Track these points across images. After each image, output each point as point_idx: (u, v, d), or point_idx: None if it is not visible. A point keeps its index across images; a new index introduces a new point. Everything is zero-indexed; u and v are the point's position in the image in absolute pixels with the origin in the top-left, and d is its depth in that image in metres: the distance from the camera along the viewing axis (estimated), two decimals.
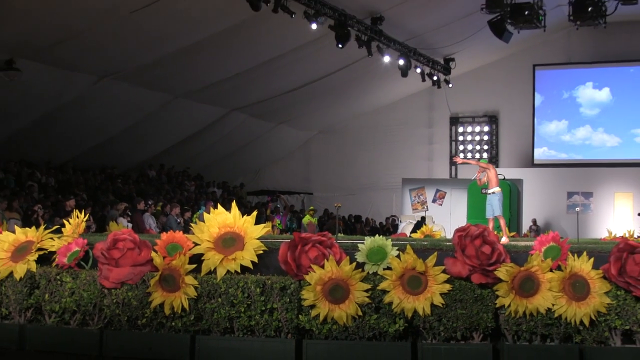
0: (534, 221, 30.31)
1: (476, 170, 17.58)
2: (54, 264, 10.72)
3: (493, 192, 16.40)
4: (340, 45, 23.22)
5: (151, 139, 27.37)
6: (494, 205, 16.32)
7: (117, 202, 21.42)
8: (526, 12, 23.43)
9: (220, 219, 10.25)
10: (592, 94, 33.01)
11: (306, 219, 26.63)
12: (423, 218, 25.98)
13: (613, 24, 25.22)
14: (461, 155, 34.16)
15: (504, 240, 14.97)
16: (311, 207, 28.19)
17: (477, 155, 34.05)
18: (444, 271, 9.60)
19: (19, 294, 10.51)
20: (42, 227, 11.45)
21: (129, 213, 20.83)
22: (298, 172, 35.23)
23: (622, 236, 19.96)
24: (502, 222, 16.60)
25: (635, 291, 9.38)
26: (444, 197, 28.97)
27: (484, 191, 24.59)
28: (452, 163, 34.27)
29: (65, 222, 11.60)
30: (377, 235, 10.42)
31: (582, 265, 9.58)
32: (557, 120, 33.30)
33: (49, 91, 21.57)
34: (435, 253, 9.68)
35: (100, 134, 25.14)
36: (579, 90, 33.15)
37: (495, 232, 14.89)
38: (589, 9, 23.35)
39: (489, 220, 16.62)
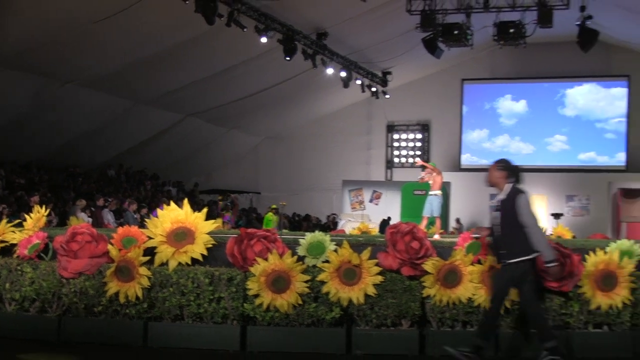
0: (457, 220, 30.54)
1: (421, 172, 17.80)
2: (15, 255, 10.56)
3: (435, 194, 16.78)
4: (287, 58, 23.28)
5: (112, 141, 27.17)
6: (434, 205, 16.83)
7: (78, 199, 21.22)
8: (456, 32, 23.68)
9: (173, 215, 10.18)
10: (510, 105, 33.58)
11: (268, 216, 26.59)
12: (389, 218, 26.12)
13: (532, 44, 25.56)
14: (396, 160, 34.46)
15: (437, 237, 15.17)
16: (273, 206, 28.12)
17: (411, 160, 34.28)
18: (376, 264, 9.62)
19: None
20: (4, 221, 11.30)
21: (93, 209, 20.68)
22: (247, 174, 35.20)
23: None
24: (438, 222, 17.16)
25: (544, 283, 9.49)
26: (379, 198, 29.11)
27: (416, 192, 24.90)
28: (388, 167, 34.54)
29: (27, 216, 11.45)
30: (317, 231, 10.44)
31: None
32: (479, 129, 33.71)
33: (17, 96, 21.25)
34: (369, 248, 9.69)
35: (63, 136, 24.86)
36: (499, 102, 33.67)
37: (426, 230, 15.13)
38: (511, 30, 23.72)
39: (423, 217, 16.89)
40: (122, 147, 28.10)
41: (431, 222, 17.80)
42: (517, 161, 26.79)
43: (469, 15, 24.11)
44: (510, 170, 9.20)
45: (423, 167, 18.32)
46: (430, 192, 17.17)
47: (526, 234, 8.66)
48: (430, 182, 17.32)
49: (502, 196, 9.00)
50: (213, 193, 32.72)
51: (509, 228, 8.81)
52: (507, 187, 8.97)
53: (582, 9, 24.37)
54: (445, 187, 18.80)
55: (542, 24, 22.94)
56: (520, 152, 33.12)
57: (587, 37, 24.69)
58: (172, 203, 10.67)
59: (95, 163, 28.04)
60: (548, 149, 33.00)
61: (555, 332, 8.85)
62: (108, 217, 21.39)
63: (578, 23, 24.59)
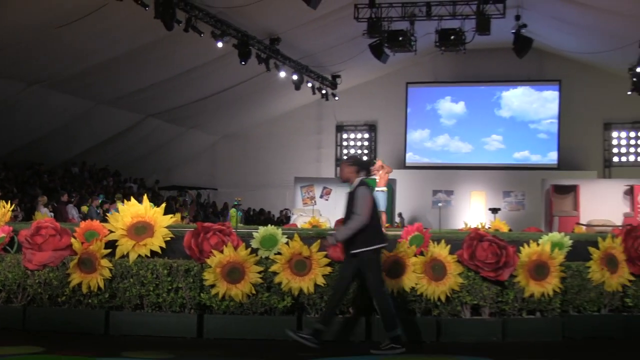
0: (400, 214, 30.69)
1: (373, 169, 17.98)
2: None
3: (381, 190, 16.94)
4: (243, 62, 23.27)
5: (76, 140, 26.95)
6: (379, 200, 16.71)
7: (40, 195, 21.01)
8: (400, 38, 23.83)
9: (133, 210, 10.10)
10: (450, 107, 33.77)
11: (232, 211, 26.52)
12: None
13: (471, 50, 25.85)
14: (345, 158, 34.43)
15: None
16: (238, 198, 28.02)
17: (363, 159, 34.49)
18: (326, 256, 9.63)
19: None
20: None
21: (55, 204, 20.48)
22: (205, 171, 35.08)
23: (475, 227, 20.37)
24: (384, 217, 17.26)
25: (482, 272, 9.64)
26: (329, 194, 29.08)
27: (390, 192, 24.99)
28: (337, 165, 34.57)
29: None
30: (269, 225, 10.43)
31: (441, 251, 9.77)
32: (422, 129, 33.83)
33: None
34: (319, 240, 9.69)
35: (29, 134, 24.56)
36: (439, 104, 33.84)
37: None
38: (452, 37, 23.95)
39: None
40: (85, 146, 27.86)
41: None
42: (456, 160, 27.62)
43: (413, 23, 24.31)
44: (359, 165, 9.37)
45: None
46: (377, 188, 17.39)
47: (367, 226, 8.75)
48: (377, 178, 17.52)
49: (350, 189, 9.13)
50: (172, 189, 32.59)
51: (351, 218, 8.92)
52: (357, 181, 9.08)
53: (517, 18, 24.77)
54: (390, 184, 18.95)
55: (480, 31, 23.19)
56: (460, 151, 33.37)
57: (522, 44, 25.01)
58: (132, 199, 10.57)
59: (60, 161, 27.75)
60: (485, 148, 33.26)
61: (398, 320, 8.93)
62: (72, 212, 21.20)
63: (514, 31, 24.95)
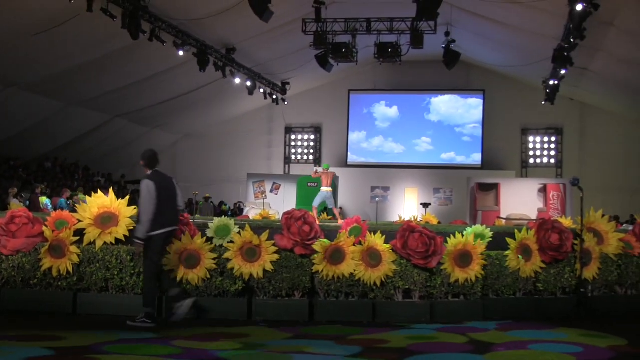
0: (340, 208, 30.82)
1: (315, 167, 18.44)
2: None
3: (326, 190, 17.51)
4: (202, 71, 23.21)
5: (49, 137, 26.54)
6: (328, 200, 17.71)
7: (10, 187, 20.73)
8: (343, 50, 23.89)
9: (99, 202, 10.06)
10: (384, 110, 33.67)
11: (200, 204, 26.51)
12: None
13: (406, 62, 25.96)
14: (293, 157, 34.65)
15: (340, 222, 15.61)
16: (206, 194, 27.98)
17: (305, 157, 34.66)
18: (274, 244, 9.68)
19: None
20: None
21: (22, 195, 20.27)
22: (167, 167, 34.53)
23: (408, 220, 20.53)
24: (336, 211, 17.84)
25: (413, 260, 9.78)
26: (279, 189, 29.07)
27: (310, 185, 25.06)
28: (286, 162, 34.67)
29: None
30: (223, 216, 10.43)
31: (377, 240, 9.87)
32: (359, 131, 33.81)
33: None
34: (268, 231, 9.75)
35: (4, 132, 24.19)
36: (375, 107, 33.79)
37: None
38: (389, 50, 24.05)
39: (313, 207, 17.30)
40: (58, 143, 27.45)
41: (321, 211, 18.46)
42: (390, 159, 27.79)
43: (355, 37, 24.37)
44: (146, 160, 9.74)
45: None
46: (322, 188, 17.53)
47: (150, 214, 9.01)
48: (324, 181, 17.68)
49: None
50: (137, 183, 32.28)
51: (138, 209, 9.25)
52: (145, 175, 9.40)
53: (447, 34, 25.01)
54: (333, 180, 19.07)
55: (414, 45, 23.35)
56: (393, 151, 33.36)
57: (450, 57, 25.22)
58: (99, 192, 10.49)
59: (34, 156, 27.35)
60: (416, 149, 33.24)
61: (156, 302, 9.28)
62: (45, 202, 20.92)
63: (444, 46, 25.18)
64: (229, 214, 27.91)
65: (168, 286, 9.35)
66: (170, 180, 9.68)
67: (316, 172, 18.52)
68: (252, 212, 24.15)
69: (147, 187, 9.15)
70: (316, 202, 17.70)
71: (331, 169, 18.44)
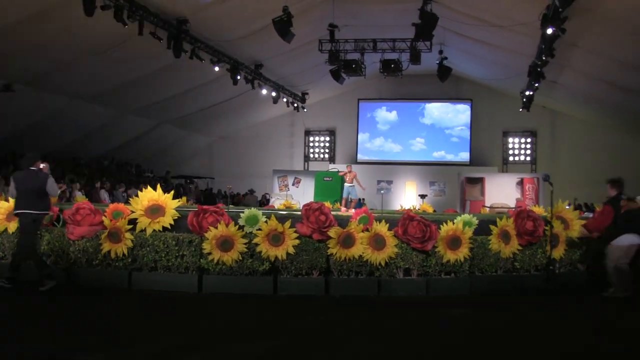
0: (363, 199, 30.95)
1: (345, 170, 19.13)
2: None
3: (351, 186, 19.05)
4: (234, 83, 23.24)
5: (105, 140, 26.74)
6: (351, 193, 18.97)
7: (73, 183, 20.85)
8: (353, 66, 23.86)
9: (149, 195, 10.08)
10: (385, 115, 33.57)
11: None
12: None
13: (406, 75, 25.91)
14: (311, 155, 34.66)
15: (352, 211, 16.21)
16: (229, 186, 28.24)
17: (322, 156, 34.72)
18: (295, 231, 9.65)
19: (11, 242, 10.25)
20: None
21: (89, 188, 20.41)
22: (204, 164, 34.89)
23: (408, 209, 20.49)
24: (354, 202, 19.28)
25: (412, 244, 9.77)
26: (299, 182, 29.05)
27: (326, 179, 25.05)
28: (305, 160, 34.64)
29: None
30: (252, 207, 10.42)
31: (381, 228, 9.82)
32: (363, 133, 33.73)
33: None
34: (290, 220, 9.71)
35: (70, 135, 24.47)
36: (377, 112, 33.67)
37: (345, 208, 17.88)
38: (392, 65, 24.02)
39: (343, 198, 19.41)
40: (113, 145, 27.61)
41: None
42: (390, 157, 27.85)
43: (363, 54, 24.36)
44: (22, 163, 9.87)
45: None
46: (345, 184, 19.11)
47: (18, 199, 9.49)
48: (347, 178, 18.39)
49: None
50: (180, 178, 32.42)
51: None
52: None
53: (441, 52, 24.94)
54: (342, 177, 19.56)
55: (413, 62, 23.33)
56: (392, 150, 33.27)
57: (443, 71, 25.13)
58: (148, 187, 10.52)
59: (95, 156, 27.50)
60: (411, 149, 33.15)
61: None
62: (104, 195, 21.01)
63: (437, 62, 25.09)
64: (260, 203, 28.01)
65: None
66: (35, 175, 9.57)
67: (345, 172, 19.55)
68: (277, 202, 24.15)
69: (11, 180, 9.63)
70: (345, 194, 19.22)
71: (344, 166, 18.95)
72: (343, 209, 18.28)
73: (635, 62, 18.43)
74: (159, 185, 10.57)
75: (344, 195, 19.16)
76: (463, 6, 20.05)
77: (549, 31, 16.71)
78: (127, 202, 17.15)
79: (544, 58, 19.60)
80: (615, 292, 9.74)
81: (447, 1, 20.01)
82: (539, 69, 21.09)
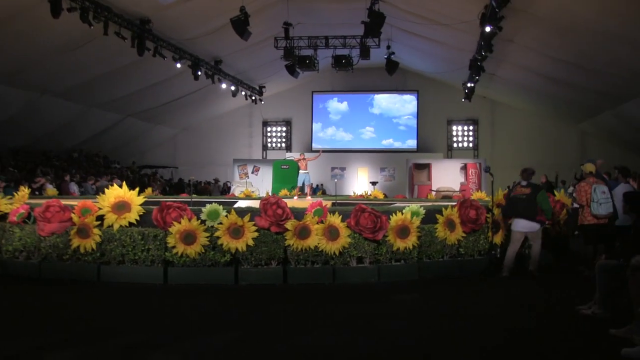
0: (321, 184, 31.10)
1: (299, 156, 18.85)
2: (7, 220, 10.29)
3: (306, 172, 18.25)
4: (195, 79, 23.04)
5: (74, 134, 26.23)
6: (305, 179, 18.32)
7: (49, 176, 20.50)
8: (307, 61, 23.86)
9: (115, 193, 9.92)
10: (336, 105, 33.54)
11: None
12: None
13: (357, 69, 26.08)
14: (269, 145, 34.54)
15: (308, 198, 16.41)
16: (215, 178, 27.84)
17: (279, 145, 34.55)
18: (254, 224, 9.60)
19: None
20: (1, 197, 10.86)
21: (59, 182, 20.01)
22: (169, 154, 34.53)
23: (360, 194, 20.58)
24: (308, 189, 17.96)
25: (364, 234, 9.80)
26: (258, 170, 28.93)
27: (283, 167, 25.03)
28: (264, 149, 34.50)
29: (15, 193, 11.07)
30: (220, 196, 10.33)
31: (335, 219, 9.80)
32: (316, 122, 33.69)
33: None
34: (249, 214, 9.64)
35: (40, 129, 24.01)
36: (328, 103, 33.63)
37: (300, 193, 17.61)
38: (343, 60, 24.03)
39: (298, 186, 18.77)
40: (82, 138, 27.11)
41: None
42: (342, 145, 28.26)
43: (316, 50, 24.30)
44: None
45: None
46: (301, 171, 17.98)
47: None
48: (301, 165, 18.17)
49: None
50: (145, 168, 32.05)
51: None
52: None
53: (388, 47, 25.04)
54: (297, 164, 19.45)
55: (362, 57, 23.39)
56: (343, 139, 33.30)
57: (391, 65, 25.26)
58: (114, 184, 10.38)
59: (63, 148, 26.97)
60: (362, 137, 33.22)
61: None
62: (73, 187, 20.60)
63: (386, 56, 25.18)
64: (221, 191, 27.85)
65: None
66: None
67: (299, 159, 18.71)
68: (238, 190, 24.09)
69: None
70: (299, 182, 18.45)
71: (298, 156, 18.72)
72: (296, 197, 18.14)
73: (563, 57, 18.83)
74: (124, 183, 10.45)
75: (299, 184, 18.82)
76: (409, 5, 20.16)
77: (487, 29, 16.95)
78: (96, 193, 16.98)
79: (483, 53, 19.88)
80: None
81: (394, 0, 20.09)
82: (479, 63, 21.40)
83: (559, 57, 18.96)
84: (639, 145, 25.70)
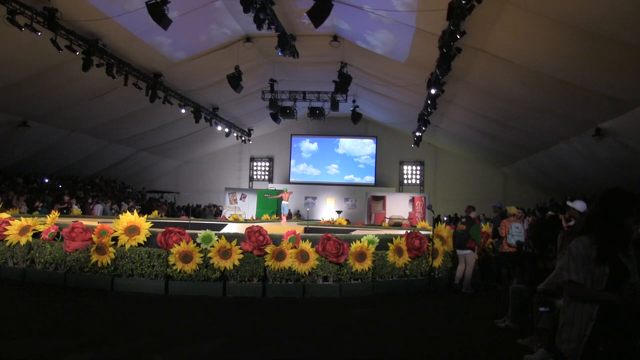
0: (298, 211, 31.03)
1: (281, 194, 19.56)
2: (41, 237, 10.20)
3: (285, 203, 19.66)
4: (196, 121, 23.04)
5: (97, 163, 26.01)
6: (284, 209, 19.65)
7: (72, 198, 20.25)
8: (288, 111, 24.04)
9: (127, 218, 9.89)
10: (308, 145, 33.54)
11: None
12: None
13: (328, 118, 26.33)
14: (255, 176, 34.40)
15: (284, 221, 17.05)
16: (210, 203, 27.62)
17: (263, 177, 34.39)
18: (240, 248, 9.61)
19: (22, 252, 10.05)
20: (36, 217, 10.84)
21: (82, 203, 19.75)
22: (173, 182, 34.27)
23: (328, 221, 20.67)
24: (284, 216, 18.71)
25: (329, 258, 9.85)
26: (245, 197, 28.95)
27: (266, 196, 25.00)
28: (250, 180, 34.37)
29: (47, 216, 11.01)
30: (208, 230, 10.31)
31: (306, 245, 9.87)
32: (290, 159, 33.67)
33: None
34: (236, 239, 9.66)
35: (70, 159, 23.87)
36: (301, 143, 33.63)
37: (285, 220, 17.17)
38: (317, 111, 24.24)
39: (283, 213, 19.99)
40: (103, 166, 26.92)
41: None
42: (311, 179, 28.74)
43: (295, 102, 24.54)
44: None
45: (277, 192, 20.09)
46: (283, 202, 19.71)
47: None
48: (285, 197, 18.91)
49: None
50: (154, 192, 31.80)
51: None
52: None
53: (354, 101, 25.35)
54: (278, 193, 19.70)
55: (332, 109, 23.65)
56: (313, 174, 33.25)
57: (355, 116, 25.54)
58: (127, 212, 10.34)
59: (87, 175, 26.73)
60: (328, 173, 33.20)
61: None
62: (98, 207, 20.37)
63: (352, 109, 25.47)
64: (214, 214, 27.70)
65: None
66: None
67: (282, 193, 20.24)
68: (228, 213, 24.03)
69: None
70: (284, 210, 19.87)
71: (280, 185, 19.05)
72: (283, 220, 18.58)
73: (489, 115, 19.22)
74: (135, 211, 10.43)
75: (283, 211, 19.64)
76: (372, 70, 20.50)
77: (433, 91, 17.25)
78: (113, 214, 16.81)
79: (429, 109, 20.21)
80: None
81: (360, 65, 20.43)
82: (425, 117, 21.71)
83: (486, 115, 19.39)
84: (546, 185, 26.24)
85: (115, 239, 9.76)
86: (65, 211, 17.67)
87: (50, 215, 10.77)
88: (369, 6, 14.57)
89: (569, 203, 7.16)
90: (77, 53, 14.69)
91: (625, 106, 13.47)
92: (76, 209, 17.71)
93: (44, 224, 10.49)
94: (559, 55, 12.16)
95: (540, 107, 15.89)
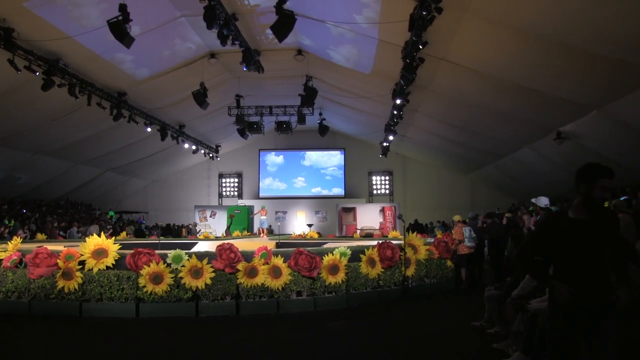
0: (270, 226, 30.77)
1: (257, 211, 20.07)
2: (2, 265, 9.85)
3: (264, 218, 20.70)
4: (162, 139, 22.74)
5: (62, 185, 25.40)
6: (264, 223, 20.61)
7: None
8: (255, 126, 23.83)
9: (95, 241, 9.64)
10: (273, 158, 33.32)
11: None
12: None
13: (295, 132, 26.09)
14: (224, 193, 34.05)
15: (265, 238, 17.36)
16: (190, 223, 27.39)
17: (232, 194, 34.06)
18: (211, 266, 9.47)
19: None
20: None
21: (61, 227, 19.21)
22: (141, 202, 33.70)
23: (299, 234, 20.56)
24: (263, 230, 19.20)
25: (302, 272, 9.78)
26: (215, 215, 28.61)
27: (235, 212, 24.72)
28: (220, 197, 34.00)
29: (8, 243, 10.61)
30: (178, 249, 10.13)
31: (278, 261, 9.78)
32: (259, 174, 33.45)
33: None
34: (207, 257, 9.52)
35: (34, 182, 23.21)
36: (267, 156, 33.37)
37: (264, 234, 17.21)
38: (284, 125, 24.12)
39: (260, 228, 21.08)
40: (68, 189, 26.30)
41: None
42: (278, 193, 28.84)
43: (262, 117, 24.39)
44: None
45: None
46: (261, 217, 20.64)
47: None
48: (262, 214, 19.04)
49: None
50: (122, 213, 31.18)
51: None
52: None
53: (320, 114, 25.30)
54: (250, 208, 19.48)
55: (299, 122, 23.49)
56: (279, 188, 33.01)
57: (322, 129, 25.50)
58: (94, 235, 10.07)
59: (52, 197, 26.08)
60: (294, 186, 32.96)
61: None
62: (74, 233, 19.86)
63: (318, 121, 25.43)
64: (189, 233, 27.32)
65: None
66: None
67: (261, 210, 21.40)
68: (199, 232, 23.73)
69: None
70: (263, 225, 20.76)
71: (249, 200, 19.00)
72: (263, 235, 18.93)
73: (454, 123, 19.47)
74: (102, 233, 10.17)
75: (260, 226, 20.77)
76: (337, 82, 20.56)
77: (398, 101, 17.40)
78: (79, 238, 16.37)
79: (395, 119, 20.37)
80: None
81: (325, 78, 20.48)
82: (392, 127, 21.87)
83: (452, 123, 19.63)
84: (513, 190, 26.65)
85: (82, 262, 9.49)
86: (27, 237, 17.12)
87: (12, 242, 10.43)
88: (331, 20, 14.64)
89: (533, 200, 7.40)
90: (37, 73, 14.35)
91: (583, 110, 13.82)
92: (44, 234, 17.21)
93: (5, 251, 10.15)
94: (520, 63, 12.40)
95: (504, 113, 16.17)
